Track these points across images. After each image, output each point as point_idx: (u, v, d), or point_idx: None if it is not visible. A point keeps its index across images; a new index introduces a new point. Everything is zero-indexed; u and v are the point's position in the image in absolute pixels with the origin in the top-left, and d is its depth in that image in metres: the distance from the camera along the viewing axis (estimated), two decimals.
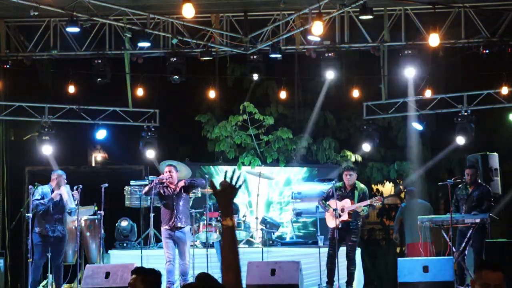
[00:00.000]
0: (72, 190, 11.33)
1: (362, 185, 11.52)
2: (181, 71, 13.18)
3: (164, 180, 10.88)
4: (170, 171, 10.96)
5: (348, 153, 15.01)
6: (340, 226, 11.04)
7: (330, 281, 11.13)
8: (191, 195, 12.61)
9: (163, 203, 10.94)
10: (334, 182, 12.04)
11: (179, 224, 10.81)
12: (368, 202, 11.18)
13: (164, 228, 10.88)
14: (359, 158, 14.90)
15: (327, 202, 11.28)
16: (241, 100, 15.16)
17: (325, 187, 12.46)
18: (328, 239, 11.39)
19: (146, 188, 11.08)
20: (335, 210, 10.99)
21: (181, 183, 11.03)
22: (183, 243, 10.83)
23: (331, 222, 11.15)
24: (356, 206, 11.11)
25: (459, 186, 11.41)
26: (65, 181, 11.35)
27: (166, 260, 10.75)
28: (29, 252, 11.03)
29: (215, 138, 15.01)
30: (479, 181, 11.55)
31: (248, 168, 14.50)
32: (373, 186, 16.56)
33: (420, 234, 11.36)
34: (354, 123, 16.31)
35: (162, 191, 10.91)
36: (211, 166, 15.11)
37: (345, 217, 11.12)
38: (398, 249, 18.27)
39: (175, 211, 10.80)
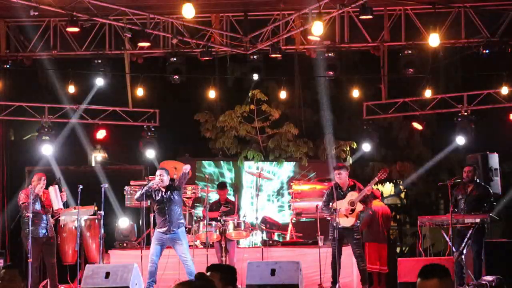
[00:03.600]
0: (60, 190, 11.33)
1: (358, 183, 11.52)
2: (181, 71, 13.19)
3: (155, 186, 10.75)
4: (160, 175, 10.72)
5: (342, 142, 15.06)
6: (341, 226, 10.98)
7: (335, 281, 11.10)
8: (190, 194, 12.61)
9: (156, 207, 10.85)
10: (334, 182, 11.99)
11: (172, 229, 10.70)
12: (376, 179, 11.15)
13: (157, 231, 10.83)
14: (354, 145, 14.92)
15: (331, 205, 11.13)
16: (241, 100, 15.18)
17: (325, 187, 12.44)
18: (329, 239, 11.33)
19: (137, 195, 10.94)
20: (334, 210, 10.96)
21: (174, 183, 10.93)
22: (179, 244, 10.71)
23: (344, 221, 11.00)
24: (367, 189, 10.98)
25: (458, 186, 11.40)
26: (44, 182, 11.24)
27: (149, 262, 10.67)
28: (29, 252, 11.02)
29: (218, 127, 15.01)
30: (478, 180, 11.54)
31: (251, 164, 14.56)
32: (373, 186, 16.56)
33: (421, 235, 11.35)
34: (354, 123, 16.32)
35: (153, 195, 10.82)
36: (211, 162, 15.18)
37: (351, 221, 10.99)
38: (398, 249, 18.30)
39: (167, 216, 10.68)
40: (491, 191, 11.49)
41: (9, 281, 5.33)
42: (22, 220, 11.15)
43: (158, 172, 10.83)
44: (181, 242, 10.71)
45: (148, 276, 10.63)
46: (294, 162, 15.14)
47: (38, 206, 11.12)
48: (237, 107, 14.76)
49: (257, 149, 15.02)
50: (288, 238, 13.46)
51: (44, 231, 11.19)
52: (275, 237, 13.26)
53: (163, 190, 10.74)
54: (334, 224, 11.06)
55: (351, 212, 10.95)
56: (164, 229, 10.67)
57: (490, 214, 10.86)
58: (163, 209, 10.71)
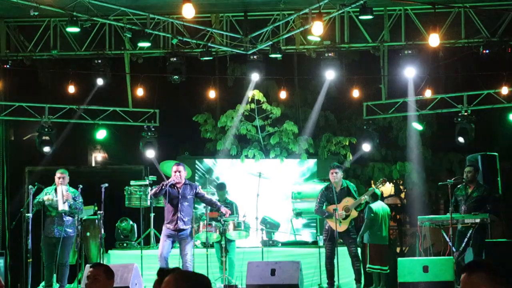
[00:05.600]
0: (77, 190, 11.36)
1: (351, 183, 11.54)
2: (181, 71, 13.19)
3: (174, 183, 10.71)
4: (179, 171, 10.70)
5: (341, 138, 15.07)
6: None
7: (331, 282, 11.09)
8: None
9: (168, 202, 10.81)
10: None
11: (181, 226, 10.66)
12: (372, 189, 11.30)
13: (165, 226, 10.80)
14: (354, 141, 14.94)
15: (326, 208, 11.15)
16: (241, 100, 15.18)
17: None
18: (323, 240, 11.35)
19: (154, 191, 10.91)
20: (335, 210, 10.95)
21: (193, 188, 10.90)
22: (185, 242, 10.71)
23: (337, 226, 11.03)
24: (362, 198, 11.16)
25: (458, 186, 11.40)
26: (59, 180, 11.25)
27: (158, 256, 10.60)
28: (29, 252, 11.02)
29: (218, 128, 15.01)
30: (478, 181, 11.53)
31: (252, 162, 14.56)
32: (373, 186, 16.56)
33: (421, 235, 11.35)
34: (354, 123, 16.32)
35: (167, 190, 10.77)
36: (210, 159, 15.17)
37: (343, 227, 11.05)
38: (398, 249, 18.30)
39: (179, 212, 10.64)
40: (491, 192, 11.49)
41: (94, 279, 5.40)
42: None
43: (174, 168, 10.78)
44: (188, 241, 10.69)
45: None
46: (295, 159, 15.11)
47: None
48: (238, 106, 14.77)
49: (258, 148, 15.02)
50: (288, 238, 13.47)
51: (53, 231, 11.20)
52: (275, 237, 13.25)
53: (179, 185, 10.71)
54: (327, 227, 11.10)
55: (344, 218, 10.97)
56: (174, 225, 10.62)
57: (490, 214, 10.87)
58: (175, 205, 10.65)
